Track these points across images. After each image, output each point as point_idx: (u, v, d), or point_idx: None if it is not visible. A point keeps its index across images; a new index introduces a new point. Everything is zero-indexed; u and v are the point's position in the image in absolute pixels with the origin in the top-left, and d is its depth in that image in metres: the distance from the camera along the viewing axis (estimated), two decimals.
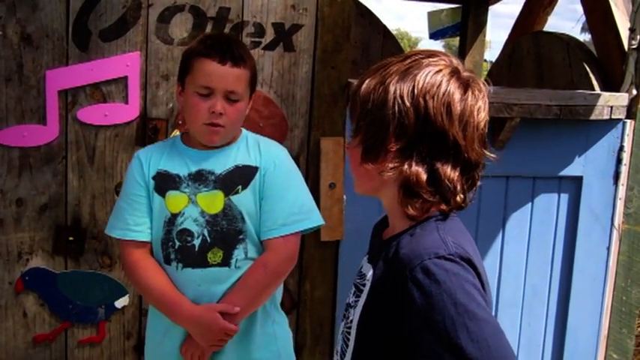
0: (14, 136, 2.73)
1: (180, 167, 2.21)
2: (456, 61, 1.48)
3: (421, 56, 1.47)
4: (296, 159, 2.96)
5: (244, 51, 2.23)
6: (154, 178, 2.22)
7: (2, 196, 2.77)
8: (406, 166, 1.42)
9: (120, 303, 2.91)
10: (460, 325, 1.26)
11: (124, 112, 2.82)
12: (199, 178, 2.19)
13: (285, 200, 2.23)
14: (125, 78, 2.79)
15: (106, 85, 2.78)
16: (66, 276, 2.87)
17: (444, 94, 1.41)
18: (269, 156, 2.26)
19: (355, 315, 1.52)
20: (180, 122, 2.81)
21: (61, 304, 2.88)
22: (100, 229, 2.82)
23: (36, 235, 2.82)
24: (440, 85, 1.41)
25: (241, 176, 2.20)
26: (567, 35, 4.13)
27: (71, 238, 2.84)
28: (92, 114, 2.79)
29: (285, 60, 2.93)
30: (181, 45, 2.79)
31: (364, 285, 1.53)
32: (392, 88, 1.42)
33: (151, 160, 2.24)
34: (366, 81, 1.48)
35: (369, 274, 1.53)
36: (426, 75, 1.42)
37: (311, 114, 2.99)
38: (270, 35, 2.90)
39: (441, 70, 1.43)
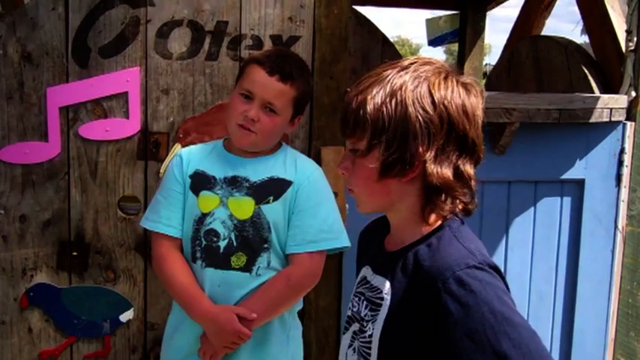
0: (16, 154, 2.75)
1: (218, 170, 2.28)
2: (446, 64, 1.53)
3: (418, 64, 1.48)
4: None
5: (298, 70, 2.27)
6: (191, 176, 2.30)
7: (6, 212, 2.79)
8: (435, 169, 1.44)
9: (125, 317, 2.91)
10: (501, 332, 1.29)
11: (125, 127, 2.83)
12: (234, 182, 2.25)
13: (316, 217, 2.27)
14: (125, 93, 2.80)
15: (106, 101, 2.80)
16: (70, 291, 2.88)
17: (458, 97, 1.45)
18: (304, 173, 2.31)
19: (376, 329, 1.51)
20: (181, 136, 2.82)
21: (66, 319, 2.89)
22: (104, 243, 2.84)
23: (40, 250, 2.84)
24: (452, 89, 1.45)
25: (274, 188, 2.26)
26: (565, 39, 4.14)
27: (75, 254, 2.85)
28: (93, 130, 2.80)
29: None
30: (180, 59, 2.81)
31: (382, 299, 1.51)
32: (409, 101, 1.42)
33: (191, 159, 2.33)
34: (369, 98, 1.44)
35: (386, 287, 1.51)
36: (439, 82, 1.45)
37: (311, 124, 3.00)
38: (268, 47, 2.90)
39: (447, 77, 1.47)
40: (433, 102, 1.43)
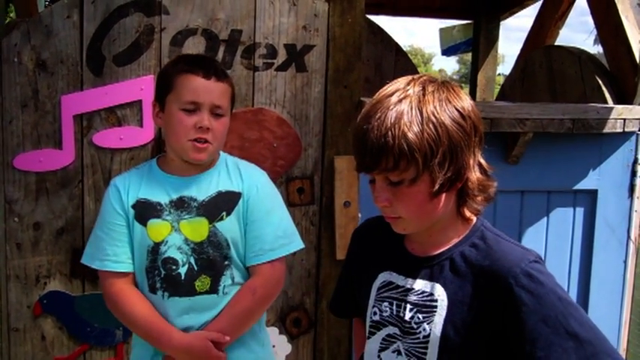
0: (31, 161, 2.77)
1: (161, 194, 2.17)
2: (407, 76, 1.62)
3: (413, 84, 1.53)
4: (310, 178, 2.98)
5: (222, 67, 2.25)
6: (133, 206, 2.17)
7: (20, 220, 2.80)
8: (475, 177, 1.56)
9: None
10: (568, 315, 1.45)
11: (139, 135, 2.84)
12: (181, 205, 2.15)
13: (270, 225, 2.21)
14: (139, 102, 2.82)
15: (120, 109, 2.81)
16: (83, 299, 2.89)
17: (469, 101, 1.55)
18: (251, 181, 2.23)
19: (434, 330, 1.56)
20: None
21: (79, 327, 2.90)
22: None
23: (53, 258, 2.85)
24: (463, 96, 1.55)
25: (225, 203, 2.17)
26: (579, 49, 4.13)
27: None
28: (107, 138, 2.81)
29: (297, 80, 2.95)
30: None
31: (435, 300, 1.57)
32: (444, 118, 1.47)
33: (129, 188, 2.20)
34: (404, 129, 1.45)
35: (438, 290, 1.57)
36: (455, 92, 1.53)
37: (324, 133, 3.00)
38: (282, 56, 2.92)
39: (455, 85, 1.56)
40: (462, 114, 1.50)
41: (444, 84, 1.55)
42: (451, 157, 1.48)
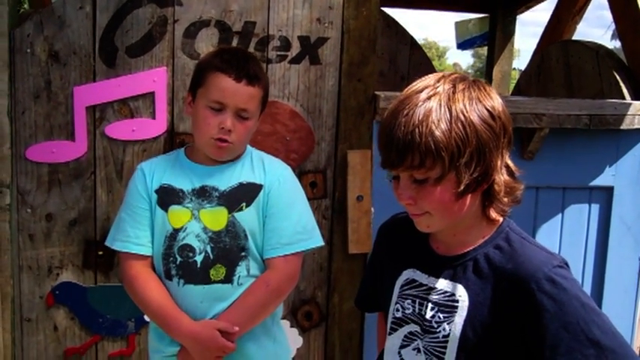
0: (43, 153, 2.77)
1: (184, 182, 2.18)
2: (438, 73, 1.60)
3: (442, 82, 1.51)
4: (323, 172, 2.97)
5: (259, 69, 2.21)
6: (156, 191, 2.18)
7: (32, 211, 2.80)
8: (501, 179, 1.54)
9: None
10: (591, 321, 1.44)
11: (152, 127, 2.84)
12: (203, 193, 2.16)
13: (289, 219, 2.20)
14: (152, 93, 2.81)
15: (133, 101, 2.81)
16: (96, 290, 2.89)
17: (499, 100, 1.53)
18: (273, 174, 2.22)
19: (454, 330, 1.56)
20: None
21: (91, 318, 2.91)
22: None
23: (66, 249, 2.85)
24: (493, 95, 1.53)
25: (245, 194, 2.17)
26: (596, 44, 4.08)
27: (101, 253, 2.86)
28: (120, 129, 2.81)
29: (311, 73, 2.93)
30: None
31: (456, 301, 1.57)
32: (474, 117, 1.46)
33: (154, 173, 2.21)
34: (431, 127, 1.43)
35: (459, 290, 1.57)
36: (486, 92, 1.51)
37: (338, 127, 2.98)
38: (296, 49, 2.90)
39: (486, 84, 1.54)
40: (491, 114, 1.48)
41: (474, 82, 1.52)
42: (478, 157, 1.46)
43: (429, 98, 1.47)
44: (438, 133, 1.43)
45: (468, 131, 1.44)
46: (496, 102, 1.51)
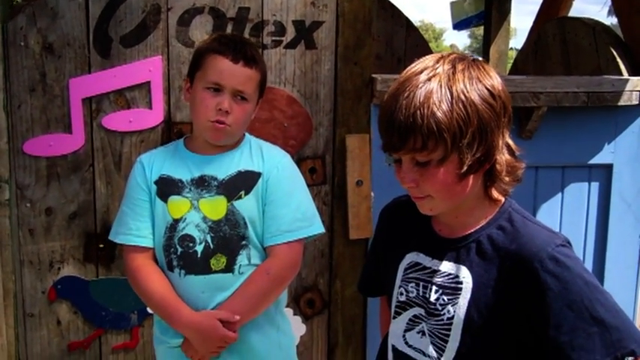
0: (41, 146, 2.76)
1: (183, 172, 2.18)
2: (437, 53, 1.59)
3: (441, 62, 1.50)
4: (322, 157, 2.96)
5: (257, 53, 2.22)
6: (156, 182, 2.19)
7: (32, 205, 2.79)
8: (503, 159, 1.54)
9: None
10: (595, 300, 1.45)
11: (149, 117, 2.82)
12: (202, 183, 2.16)
13: (289, 206, 2.19)
14: (148, 83, 2.80)
15: (129, 91, 2.79)
16: (98, 283, 2.89)
17: (498, 79, 1.52)
18: (272, 162, 2.22)
19: (458, 312, 1.56)
20: None
21: (94, 312, 2.91)
22: None
23: (66, 243, 2.84)
24: (493, 74, 1.52)
25: (244, 182, 2.17)
26: (593, 20, 4.06)
27: (101, 246, 2.85)
28: (117, 121, 2.80)
29: (307, 58, 2.91)
30: None
31: (460, 283, 1.57)
32: (474, 97, 1.45)
33: (153, 164, 2.22)
34: (433, 109, 1.43)
35: (463, 272, 1.57)
36: (486, 71, 1.51)
37: (335, 111, 2.97)
38: (290, 33, 2.88)
39: (485, 63, 1.54)
40: (492, 93, 1.48)
41: (474, 62, 1.52)
42: (480, 137, 1.46)
43: (429, 79, 1.46)
44: (439, 114, 1.42)
45: (469, 111, 1.44)
46: (495, 81, 1.50)
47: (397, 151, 1.50)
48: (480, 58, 1.58)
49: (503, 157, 1.53)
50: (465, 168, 1.47)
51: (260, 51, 2.83)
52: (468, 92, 1.44)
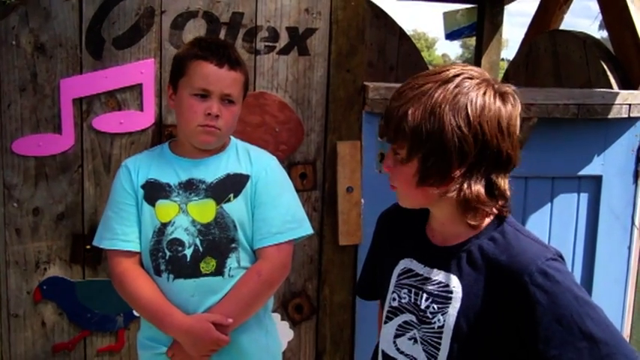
0: (30, 146, 2.74)
1: (170, 176, 2.18)
2: (484, 72, 1.57)
3: (461, 78, 1.51)
4: (313, 163, 2.96)
5: (238, 55, 2.23)
6: (143, 187, 2.18)
7: (19, 205, 2.77)
8: (466, 186, 1.51)
9: None
10: (584, 314, 1.45)
11: (140, 119, 2.81)
12: (190, 186, 2.16)
13: (278, 208, 2.20)
14: (140, 85, 2.79)
15: (120, 93, 2.78)
16: (84, 285, 2.87)
17: (494, 113, 1.49)
18: (260, 164, 2.23)
19: (448, 321, 1.56)
20: None
21: (79, 313, 2.88)
22: None
23: (53, 244, 2.83)
24: (489, 106, 1.49)
25: (233, 185, 2.17)
26: (584, 33, 4.08)
27: (88, 247, 2.83)
28: (107, 122, 2.79)
29: (299, 64, 2.92)
30: None
31: (450, 292, 1.58)
32: (447, 119, 1.47)
33: (139, 168, 2.21)
34: (410, 110, 1.49)
35: (454, 281, 1.58)
36: (475, 100, 1.48)
37: (327, 118, 2.97)
38: (284, 39, 2.88)
39: (485, 91, 1.50)
40: (469, 121, 1.47)
41: (481, 86, 1.50)
42: (437, 155, 1.49)
43: (435, 83, 1.50)
44: (410, 118, 1.49)
45: (435, 127, 1.47)
46: (487, 113, 1.48)
47: (381, 136, 1.60)
48: (510, 88, 1.56)
49: (471, 189, 1.50)
50: (418, 175, 1.52)
51: (253, 56, 2.83)
52: (444, 109, 1.47)
